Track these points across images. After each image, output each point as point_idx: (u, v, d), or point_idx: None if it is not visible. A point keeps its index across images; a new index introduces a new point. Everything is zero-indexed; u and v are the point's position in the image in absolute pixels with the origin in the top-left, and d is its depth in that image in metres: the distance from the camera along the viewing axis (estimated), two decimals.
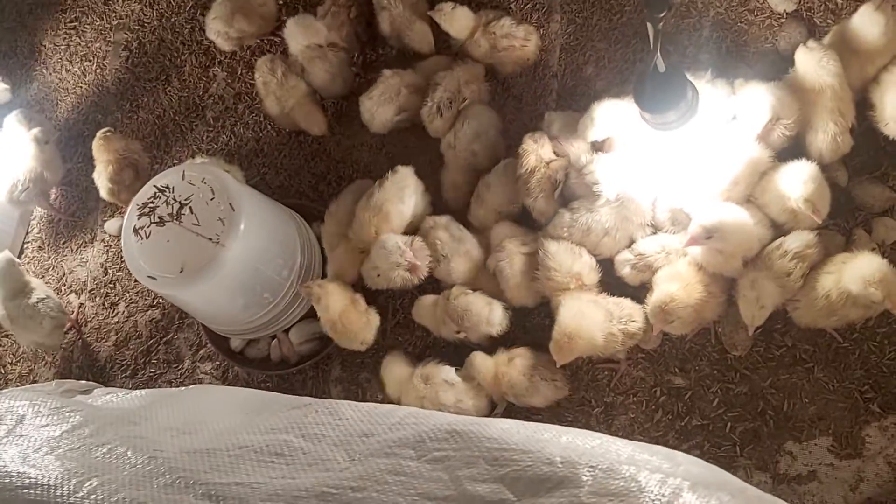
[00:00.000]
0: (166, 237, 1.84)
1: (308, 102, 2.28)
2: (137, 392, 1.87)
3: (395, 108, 2.18)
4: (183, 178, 1.87)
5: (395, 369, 1.99)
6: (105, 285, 2.48)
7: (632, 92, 1.70)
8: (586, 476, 1.00)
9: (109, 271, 2.50)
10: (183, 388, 1.87)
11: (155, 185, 1.89)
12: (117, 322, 2.43)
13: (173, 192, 1.87)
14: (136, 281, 2.43)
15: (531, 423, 1.24)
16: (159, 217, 1.86)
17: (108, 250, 2.53)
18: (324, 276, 2.15)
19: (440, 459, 1.10)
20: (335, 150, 2.37)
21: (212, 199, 1.84)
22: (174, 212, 1.85)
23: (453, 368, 1.93)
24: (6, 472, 1.27)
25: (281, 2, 2.51)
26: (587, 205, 1.89)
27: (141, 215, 1.87)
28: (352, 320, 1.98)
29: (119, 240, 2.51)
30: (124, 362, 2.38)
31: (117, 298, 2.46)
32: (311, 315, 2.14)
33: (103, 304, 2.46)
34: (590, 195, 1.89)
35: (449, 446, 1.12)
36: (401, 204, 2.01)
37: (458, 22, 2.13)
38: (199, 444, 1.31)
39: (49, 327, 2.27)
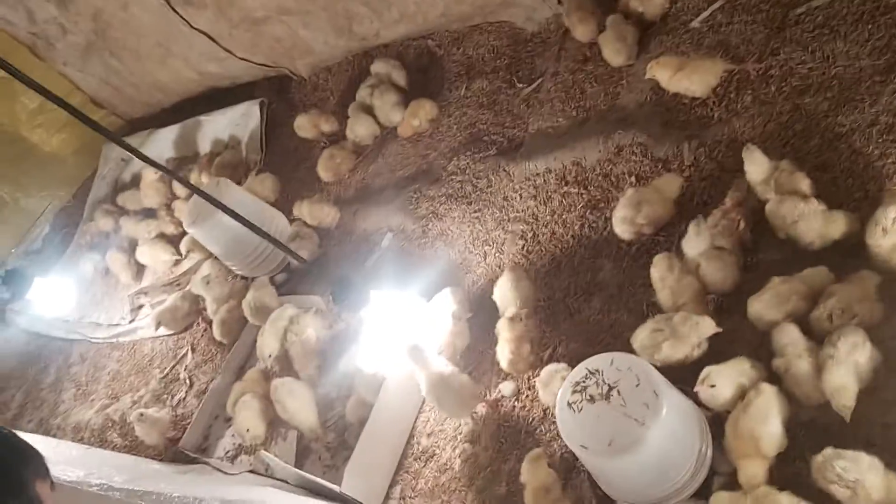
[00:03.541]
0: (596, 413, 2.20)
1: (699, 301, 2.61)
2: None
3: (783, 313, 2.43)
4: (611, 365, 2.25)
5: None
6: (498, 438, 2.90)
7: None
8: None
9: (502, 427, 2.92)
10: None
11: (587, 368, 2.27)
12: (508, 472, 2.81)
13: (602, 375, 2.24)
14: (526, 434, 2.84)
15: None
16: (590, 395, 2.23)
17: (500, 408, 2.97)
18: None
19: None
20: (713, 340, 2.64)
21: (637, 386, 2.18)
22: (603, 392, 2.21)
23: None
24: None
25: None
26: None
27: (574, 392, 2.26)
28: None
29: (510, 400, 2.97)
30: None
31: (510, 450, 2.85)
32: (696, 495, 2.36)
33: (496, 452, 2.87)
34: None
35: None
36: (767, 426, 2.19)
37: None
38: None
39: None
